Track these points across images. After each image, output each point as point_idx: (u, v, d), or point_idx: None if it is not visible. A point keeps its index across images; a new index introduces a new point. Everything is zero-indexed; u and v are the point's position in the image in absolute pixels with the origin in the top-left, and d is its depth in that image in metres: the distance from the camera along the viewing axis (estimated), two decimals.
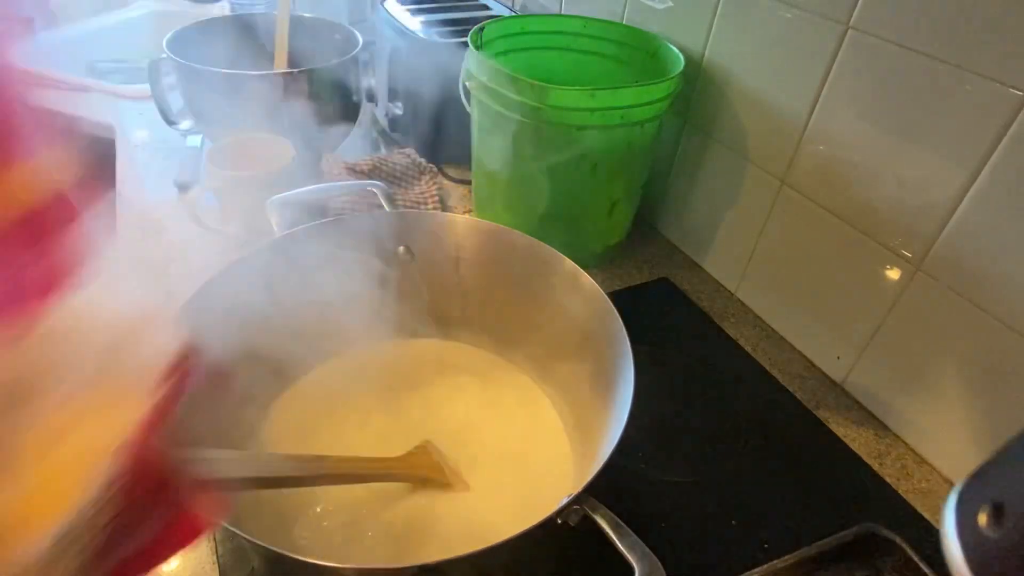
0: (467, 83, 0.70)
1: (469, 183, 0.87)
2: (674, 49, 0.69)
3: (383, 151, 0.95)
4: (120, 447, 0.23)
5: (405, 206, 0.81)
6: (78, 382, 0.23)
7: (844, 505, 0.53)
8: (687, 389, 0.64)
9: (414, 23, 0.86)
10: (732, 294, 0.76)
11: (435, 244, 0.57)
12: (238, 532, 0.32)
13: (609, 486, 0.37)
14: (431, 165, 0.88)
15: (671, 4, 0.72)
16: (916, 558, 0.46)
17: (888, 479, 0.56)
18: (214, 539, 0.48)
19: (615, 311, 0.47)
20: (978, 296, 0.50)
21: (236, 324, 0.48)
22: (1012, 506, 0.22)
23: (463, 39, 0.70)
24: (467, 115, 0.74)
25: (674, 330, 0.71)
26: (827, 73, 0.57)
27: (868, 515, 0.50)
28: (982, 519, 0.23)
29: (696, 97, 0.73)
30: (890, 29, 0.51)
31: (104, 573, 0.23)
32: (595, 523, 0.35)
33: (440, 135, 0.87)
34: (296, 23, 0.88)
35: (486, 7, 0.97)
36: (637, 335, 0.44)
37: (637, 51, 0.75)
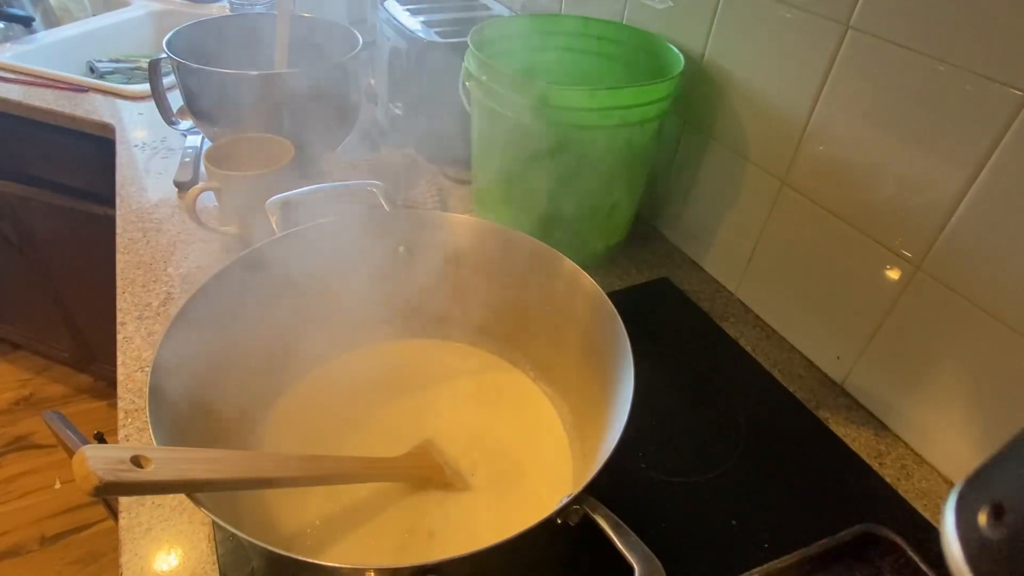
0: (467, 83, 0.70)
1: (469, 183, 0.87)
2: (674, 49, 0.69)
3: (383, 151, 0.95)
4: None
5: (405, 206, 0.81)
6: None
7: (844, 505, 0.53)
8: (687, 389, 0.64)
9: (414, 23, 0.86)
10: (732, 294, 0.76)
11: (435, 244, 0.57)
12: (238, 532, 0.32)
13: (609, 486, 0.37)
14: (431, 165, 0.88)
15: (671, 4, 0.72)
16: (916, 558, 0.46)
17: (888, 479, 0.56)
18: (214, 539, 0.48)
19: (615, 311, 0.47)
20: (978, 296, 0.50)
21: (236, 324, 0.49)
22: (1012, 506, 0.22)
23: (463, 39, 0.70)
24: (467, 115, 0.74)
25: (674, 330, 0.71)
26: (827, 73, 0.57)
27: (868, 515, 0.50)
28: (982, 519, 0.23)
29: (696, 97, 0.73)
30: (890, 29, 0.51)
31: None
32: (595, 523, 0.35)
33: (440, 135, 0.87)
34: (296, 23, 0.88)
35: (486, 7, 0.97)
36: (637, 335, 0.44)
37: (637, 51, 0.75)
